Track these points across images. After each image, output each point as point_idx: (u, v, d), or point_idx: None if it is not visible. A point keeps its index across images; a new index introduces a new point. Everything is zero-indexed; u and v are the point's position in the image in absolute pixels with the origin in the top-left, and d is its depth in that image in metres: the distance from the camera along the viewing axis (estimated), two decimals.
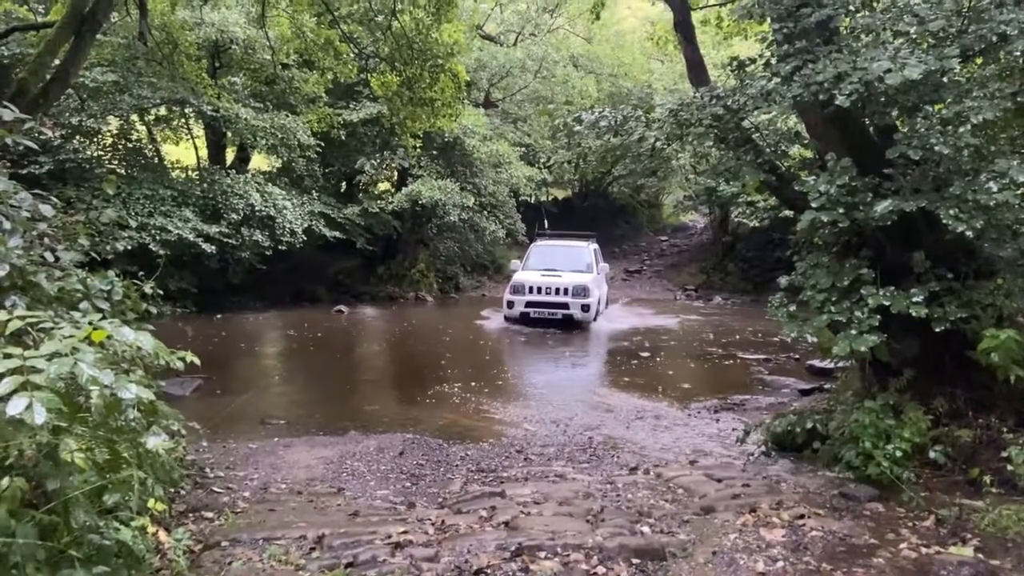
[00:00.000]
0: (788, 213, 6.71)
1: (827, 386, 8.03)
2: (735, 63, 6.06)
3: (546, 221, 21.49)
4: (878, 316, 4.69)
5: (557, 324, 14.07)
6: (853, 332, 4.70)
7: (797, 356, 11.00)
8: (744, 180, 6.20)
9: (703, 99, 5.84)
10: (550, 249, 16.46)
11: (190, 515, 4.13)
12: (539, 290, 14.43)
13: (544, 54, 22.02)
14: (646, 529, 4.00)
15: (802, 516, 4.11)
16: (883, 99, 4.84)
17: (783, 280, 5.53)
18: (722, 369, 10.79)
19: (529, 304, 14.38)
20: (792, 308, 5.37)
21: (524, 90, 23.05)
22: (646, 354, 11.71)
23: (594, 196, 28.37)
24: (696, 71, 6.83)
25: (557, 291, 14.36)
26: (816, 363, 9.78)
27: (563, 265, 15.46)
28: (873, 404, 4.89)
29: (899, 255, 5.07)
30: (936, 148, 4.50)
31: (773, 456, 5.79)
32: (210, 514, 4.19)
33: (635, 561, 3.50)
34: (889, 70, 4.43)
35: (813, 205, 4.87)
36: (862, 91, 4.57)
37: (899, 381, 5.06)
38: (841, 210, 4.76)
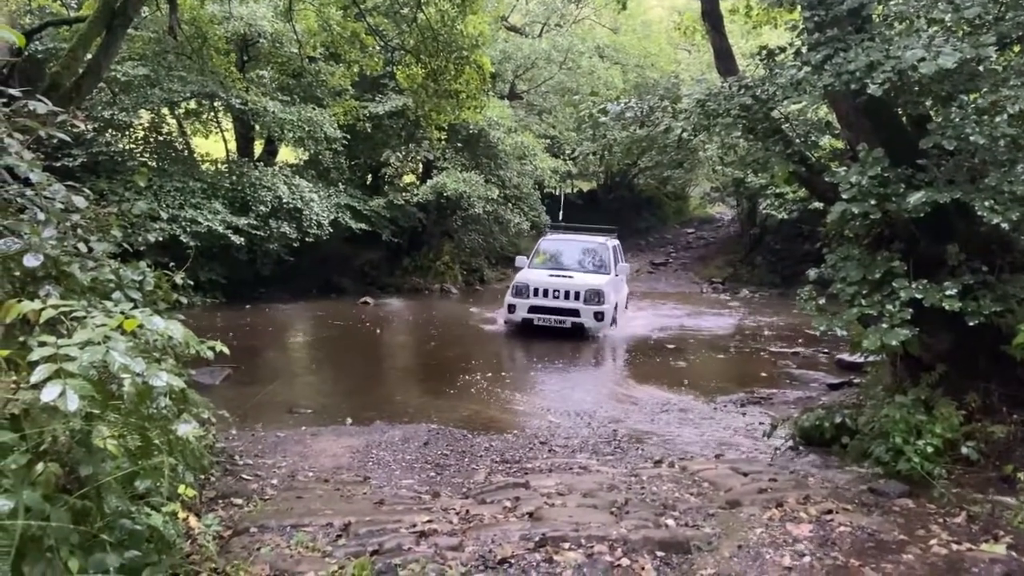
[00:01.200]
0: (818, 205, 6.61)
1: (856, 380, 7.92)
2: (764, 52, 5.97)
3: (561, 212, 20.82)
4: (910, 310, 4.60)
5: (565, 333, 12.23)
6: (884, 326, 4.62)
7: (826, 350, 10.86)
8: (773, 171, 6.11)
9: (731, 89, 5.76)
10: (562, 244, 14.55)
11: (220, 501, 4.19)
12: (545, 293, 12.45)
13: (570, 45, 21.89)
14: (671, 522, 3.98)
15: (830, 511, 4.06)
16: (916, 88, 4.73)
17: (812, 273, 5.45)
18: (749, 363, 10.69)
19: (533, 309, 12.42)
20: (821, 301, 5.30)
21: (549, 81, 22.95)
22: (671, 346, 11.64)
23: (619, 188, 28.23)
24: (724, 61, 6.74)
25: (567, 295, 12.39)
26: (845, 357, 9.64)
27: (576, 264, 13.79)
28: (904, 399, 4.82)
29: (932, 247, 4.97)
30: (971, 138, 4.39)
31: (801, 451, 5.73)
32: (239, 501, 4.26)
33: (659, 554, 3.49)
34: (923, 59, 4.33)
35: (844, 196, 4.79)
36: (895, 80, 4.48)
37: (931, 376, 4.96)
38: (873, 202, 4.67)
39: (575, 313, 12.25)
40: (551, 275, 12.94)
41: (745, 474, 5.04)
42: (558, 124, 22.97)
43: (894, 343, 4.55)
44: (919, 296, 4.59)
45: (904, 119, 5.42)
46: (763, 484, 4.69)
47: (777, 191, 16.68)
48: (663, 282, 21.66)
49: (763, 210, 20.94)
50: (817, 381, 9.17)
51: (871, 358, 6.06)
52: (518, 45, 21.73)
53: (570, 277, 12.81)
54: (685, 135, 6.38)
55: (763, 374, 9.80)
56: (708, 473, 5.10)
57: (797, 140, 5.99)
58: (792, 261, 19.24)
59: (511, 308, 12.67)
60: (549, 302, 12.41)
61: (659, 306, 16.87)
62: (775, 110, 5.71)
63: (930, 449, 4.49)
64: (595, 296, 12.30)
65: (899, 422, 4.67)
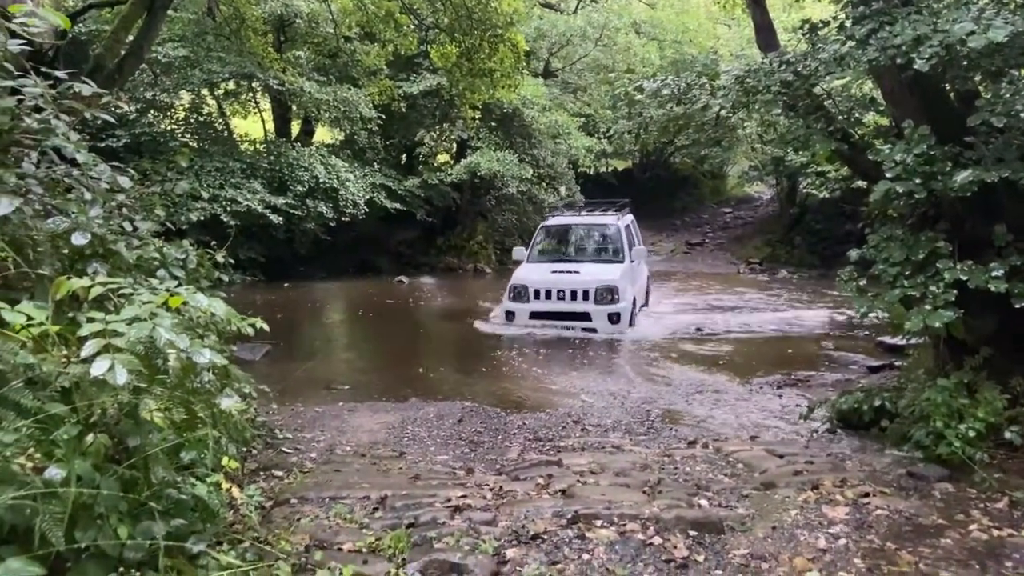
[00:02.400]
0: (860, 184, 6.47)
1: (897, 363, 7.76)
2: (807, 26, 5.82)
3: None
4: (954, 291, 4.49)
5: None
6: (927, 307, 4.52)
7: (867, 332, 10.65)
8: (814, 149, 5.99)
9: (771, 65, 5.63)
10: (565, 229, 12.63)
11: (261, 473, 4.31)
12: (547, 294, 10.63)
13: (605, 21, 21.57)
14: (704, 502, 3.98)
15: (867, 494, 4.01)
16: (965, 63, 4.57)
17: (853, 253, 5.34)
18: (786, 344, 10.54)
19: (534, 315, 10.58)
20: (862, 282, 5.20)
21: (584, 59, 22.67)
22: (706, 328, 11.53)
23: (655, 167, 27.91)
24: (765, 35, 6.59)
25: (573, 295, 10.53)
26: (887, 339, 9.43)
27: (583, 252, 11.98)
28: (946, 382, 4.71)
29: (979, 227, 4.83)
30: (1022, 115, 4.24)
31: (838, 433, 5.65)
32: (280, 473, 4.37)
33: (692, 533, 3.50)
34: (972, 32, 4.18)
35: (888, 175, 4.67)
36: (943, 55, 4.33)
37: (975, 359, 4.85)
38: (918, 180, 4.55)
39: (585, 317, 10.48)
40: (554, 271, 11.13)
41: (781, 456, 5.00)
42: (593, 102, 22.73)
43: (937, 325, 4.46)
44: (964, 277, 4.47)
45: (952, 95, 5.25)
46: (799, 466, 4.65)
47: (818, 169, 16.33)
48: (699, 262, 21.41)
49: (803, 189, 20.52)
50: (857, 363, 9.00)
51: (913, 340, 5.94)
52: (553, 22, 21.48)
53: (576, 272, 10.99)
54: (723, 112, 6.27)
55: (800, 356, 9.67)
56: (743, 454, 5.07)
57: (840, 117, 5.84)
58: (833, 241, 18.84)
59: (509, 315, 10.87)
60: (553, 305, 10.60)
61: (692, 287, 16.65)
62: (817, 86, 5.58)
63: (972, 433, 4.40)
64: (608, 293, 10.47)
65: (940, 405, 4.58)
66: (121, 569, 2.31)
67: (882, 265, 4.90)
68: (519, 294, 10.81)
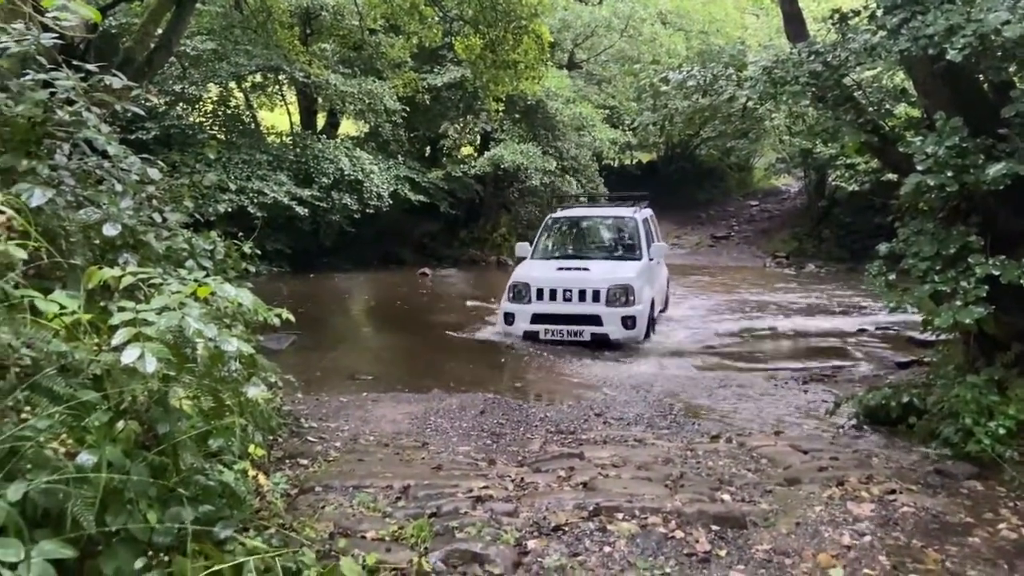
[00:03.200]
0: (891, 176, 6.36)
1: (927, 359, 7.64)
2: (837, 16, 5.73)
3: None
4: (985, 286, 4.41)
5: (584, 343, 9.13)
6: (958, 303, 4.45)
7: (895, 327, 10.49)
8: (843, 141, 5.89)
9: (800, 55, 5.55)
10: (575, 223, 11.41)
11: (287, 461, 4.38)
12: (552, 294, 9.33)
13: (631, 11, 21.37)
14: (726, 497, 3.96)
15: (893, 491, 3.96)
16: (999, 53, 4.47)
17: (883, 247, 5.25)
18: (813, 339, 10.42)
19: (537, 318, 9.29)
20: (891, 277, 5.12)
21: (609, 50, 22.50)
22: (730, 323, 11.43)
23: (680, 159, 27.68)
24: (793, 25, 6.50)
25: (582, 295, 9.26)
26: (916, 335, 9.28)
27: (594, 249, 10.86)
28: (976, 379, 4.63)
29: (1012, 222, 4.73)
30: None
31: (864, 430, 5.58)
32: (305, 461, 4.43)
33: (714, 528, 3.48)
34: (1007, 21, 4.08)
35: (919, 168, 4.59)
36: (976, 45, 4.24)
37: (1006, 355, 4.76)
38: (949, 173, 4.46)
39: (595, 320, 9.18)
40: (561, 267, 9.93)
41: (805, 452, 4.95)
42: (618, 94, 22.57)
43: (968, 321, 4.38)
44: (996, 272, 4.39)
45: (985, 86, 5.14)
46: (824, 462, 4.60)
47: (848, 162, 16.07)
48: (724, 256, 21.22)
49: (832, 182, 20.22)
50: (885, 359, 8.88)
51: (943, 336, 5.84)
52: (578, 13, 21.33)
53: (586, 269, 9.76)
54: (750, 104, 6.21)
55: (827, 350, 9.55)
56: (766, 450, 5.03)
57: (870, 108, 5.75)
58: (862, 235, 18.53)
59: (508, 318, 9.57)
60: (559, 307, 9.32)
61: (716, 283, 16.50)
62: (847, 77, 5.48)
63: (1002, 431, 4.32)
64: (622, 294, 9.19)
65: (970, 402, 4.50)
66: (150, 553, 2.36)
67: (912, 259, 4.82)
68: (519, 294, 9.50)
